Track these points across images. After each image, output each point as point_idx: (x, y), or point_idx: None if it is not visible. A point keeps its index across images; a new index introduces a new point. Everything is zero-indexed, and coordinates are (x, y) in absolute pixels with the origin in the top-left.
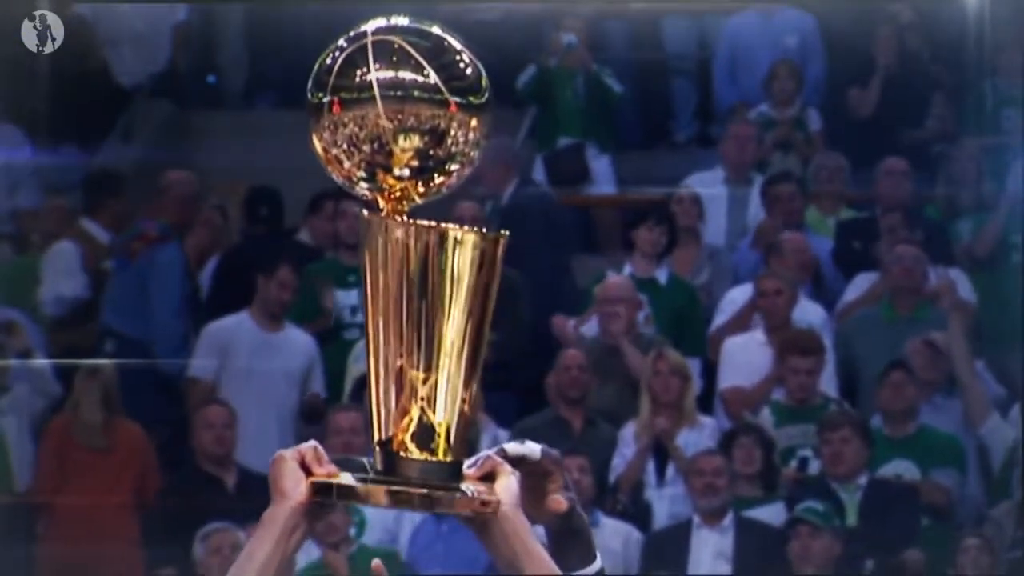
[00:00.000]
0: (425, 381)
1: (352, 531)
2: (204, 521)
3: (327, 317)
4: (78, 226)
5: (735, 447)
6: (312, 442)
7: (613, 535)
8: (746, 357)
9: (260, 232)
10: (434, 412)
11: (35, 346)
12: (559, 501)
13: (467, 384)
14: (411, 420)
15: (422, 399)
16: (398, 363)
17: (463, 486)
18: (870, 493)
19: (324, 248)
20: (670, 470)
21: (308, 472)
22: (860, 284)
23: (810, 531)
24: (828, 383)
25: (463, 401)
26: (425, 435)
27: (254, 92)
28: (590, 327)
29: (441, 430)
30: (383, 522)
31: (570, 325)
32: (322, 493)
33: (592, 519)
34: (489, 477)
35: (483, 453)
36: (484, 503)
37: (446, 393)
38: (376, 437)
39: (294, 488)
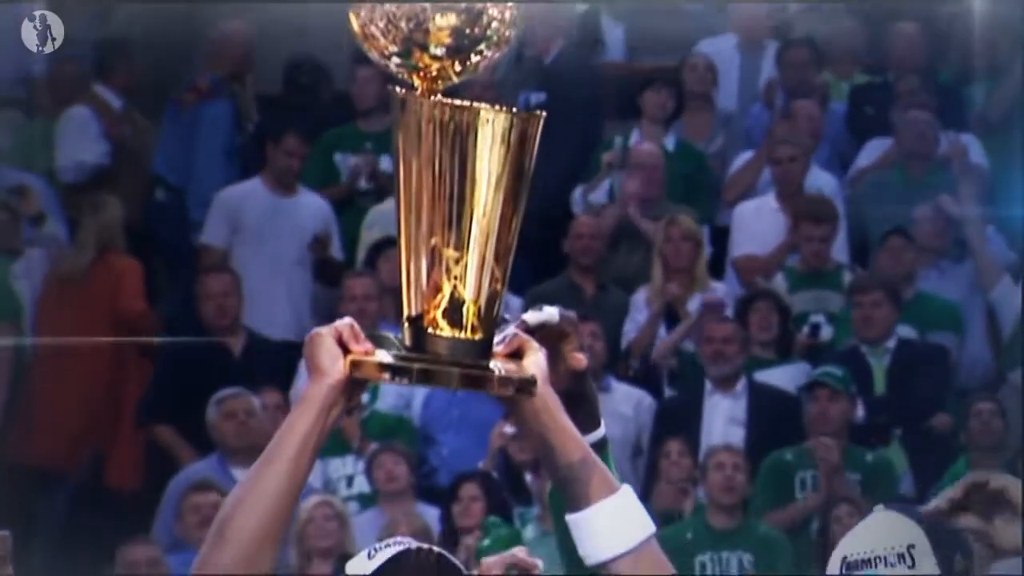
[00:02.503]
0: (458, 260)
1: (365, 397)
2: (212, 387)
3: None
4: (91, 92)
5: (751, 312)
6: (348, 319)
7: (625, 400)
8: (759, 224)
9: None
10: (466, 289)
11: (50, 211)
12: (579, 358)
13: (499, 262)
14: (443, 297)
15: (455, 277)
16: (431, 241)
17: (493, 364)
18: (898, 357)
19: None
20: None
21: (345, 349)
22: (873, 150)
23: (829, 394)
24: (840, 249)
25: (495, 279)
26: (456, 312)
27: None
28: (599, 194)
29: (472, 307)
30: (396, 388)
31: (578, 191)
32: (360, 370)
33: (604, 384)
34: (516, 354)
35: (508, 329)
36: (525, 385)
37: (478, 271)
38: (406, 314)
39: (332, 365)
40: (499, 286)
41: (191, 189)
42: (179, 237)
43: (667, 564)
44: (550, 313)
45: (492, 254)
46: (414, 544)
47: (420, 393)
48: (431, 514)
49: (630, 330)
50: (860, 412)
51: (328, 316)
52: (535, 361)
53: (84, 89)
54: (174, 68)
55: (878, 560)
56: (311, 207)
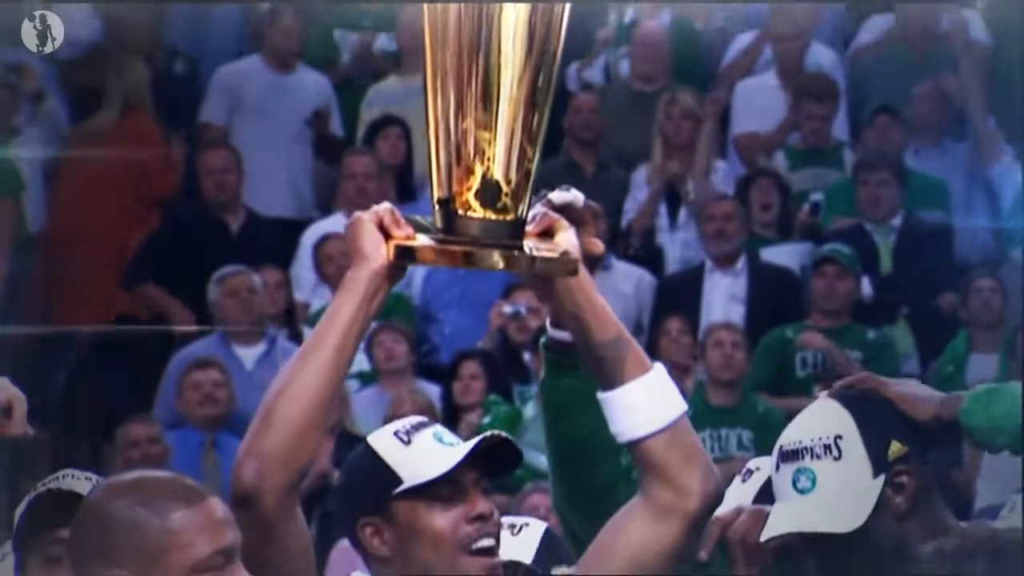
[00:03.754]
0: (489, 141)
1: None
2: (208, 262)
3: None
4: None
5: (752, 190)
6: (387, 204)
7: (625, 279)
8: (760, 102)
9: None
10: (498, 170)
11: (48, 90)
12: (596, 243)
13: (531, 142)
14: (474, 179)
15: (487, 158)
16: (462, 124)
17: (526, 243)
18: (904, 235)
19: None
20: (682, 214)
21: (385, 234)
22: (874, 26)
23: (837, 271)
24: (840, 127)
25: (527, 159)
26: (489, 193)
27: None
28: (594, 72)
29: (505, 188)
30: None
31: (573, 69)
32: (403, 256)
33: (605, 263)
34: (547, 233)
35: (537, 208)
36: (566, 264)
37: (510, 152)
38: (437, 196)
39: (375, 251)
40: (531, 166)
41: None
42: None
43: (699, 443)
44: (576, 195)
45: (523, 134)
46: None
47: (420, 271)
48: (432, 392)
49: (630, 208)
50: (868, 290)
51: (327, 195)
52: (567, 239)
53: None
54: None
55: (806, 452)
56: (310, 84)
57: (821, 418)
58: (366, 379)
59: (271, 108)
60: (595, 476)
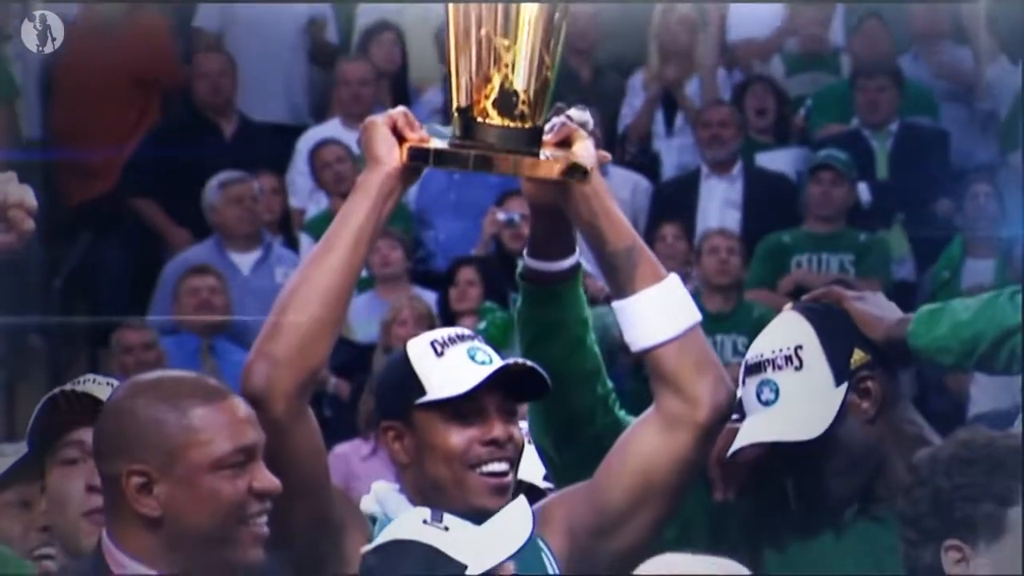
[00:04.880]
0: (508, 48)
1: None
2: (204, 169)
3: None
4: None
5: (748, 96)
6: (401, 108)
7: (622, 185)
8: (756, 8)
9: None
10: (516, 78)
11: None
12: (604, 155)
13: (549, 50)
14: (492, 87)
15: (505, 66)
16: (481, 31)
17: (544, 151)
18: (900, 141)
19: None
20: (679, 120)
21: (400, 138)
22: None
23: (832, 177)
24: (836, 32)
25: (545, 67)
26: (507, 101)
27: None
28: None
29: (523, 96)
30: None
31: None
32: (417, 158)
33: (601, 169)
34: (565, 143)
35: (556, 119)
36: (579, 169)
37: (528, 59)
38: (455, 104)
39: (388, 154)
40: (549, 75)
41: None
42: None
43: (712, 353)
44: (589, 118)
45: (541, 43)
46: None
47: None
48: (428, 298)
49: (627, 114)
50: (865, 196)
51: (322, 101)
52: (585, 148)
53: None
54: None
55: (768, 364)
56: None
57: (783, 330)
58: (362, 285)
59: (265, 16)
60: (571, 403)
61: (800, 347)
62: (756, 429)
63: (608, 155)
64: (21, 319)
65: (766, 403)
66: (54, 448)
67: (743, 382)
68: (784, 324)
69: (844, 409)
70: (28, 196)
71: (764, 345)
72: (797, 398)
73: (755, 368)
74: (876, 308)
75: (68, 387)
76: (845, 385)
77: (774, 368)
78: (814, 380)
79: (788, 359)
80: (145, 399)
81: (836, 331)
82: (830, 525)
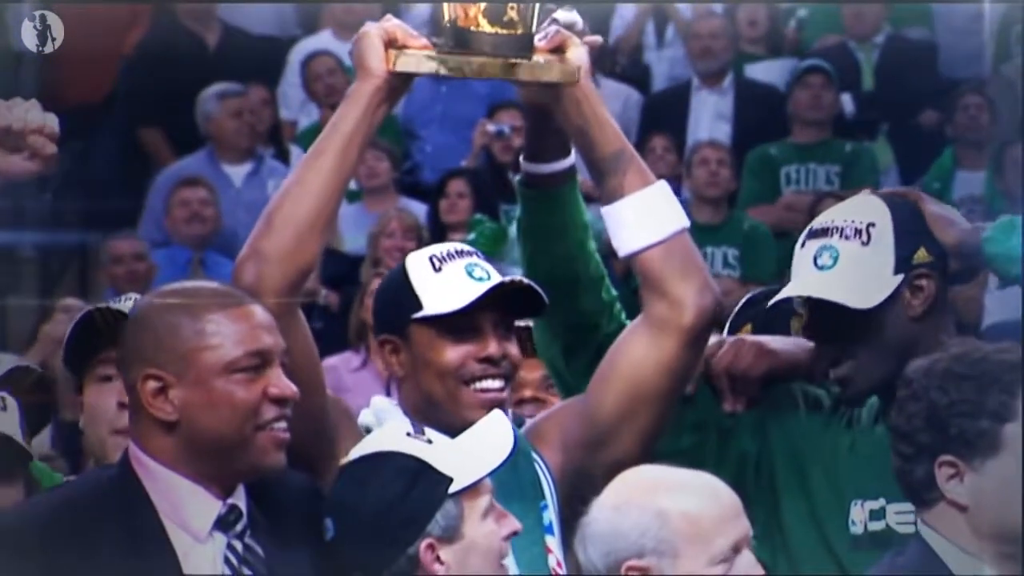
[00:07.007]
0: None
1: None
2: (191, 82)
3: None
4: None
5: (739, 7)
6: (396, 20)
7: (612, 97)
8: None
9: None
10: None
11: None
12: (595, 39)
13: None
14: None
15: None
16: None
17: (536, 57)
18: (887, 52)
19: None
20: (670, 32)
21: (402, 46)
22: None
23: (823, 81)
24: None
25: None
26: (496, 9)
27: None
28: None
29: (512, 3)
30: None
31: None
32: (409, 65)
33: (592, 80)
34: (558, 49)
35: (549, 27)
36: (569, 73)
37: None
38: (446, 17)
39: (379, 65)
40: None
41: None
42: None
43: (699, 258)
44: (578, 18)
45: None
46: None
47: None
48: (418, 210)
49: (618, 26)
50: (850, 107)
51: (310, 13)
52: (577, 54)
53: None
54: None
55: (835, 230)
56: None
57: (860, 206)
58: (351, 198)
59: None
60: (576, 309)
61: (872, 224)
62: (808, 286)
63: (599, 38)
64: (12, 234)
65: (821, 267)
66: (90, 365)
67: (802, 244)
68: (862, 201)
69: (895, 298)
70: (51, 121)
71: (836, 214)
72: (854, 270)
73: (820, 232)
74: (952, 215)
75: (103, 305)
76: (902, 276)
77: (841, 236)
78: (876, 260)
79: (858, 232)
80: (163, 306)
81: (909, 223)
82: (846, 429)
